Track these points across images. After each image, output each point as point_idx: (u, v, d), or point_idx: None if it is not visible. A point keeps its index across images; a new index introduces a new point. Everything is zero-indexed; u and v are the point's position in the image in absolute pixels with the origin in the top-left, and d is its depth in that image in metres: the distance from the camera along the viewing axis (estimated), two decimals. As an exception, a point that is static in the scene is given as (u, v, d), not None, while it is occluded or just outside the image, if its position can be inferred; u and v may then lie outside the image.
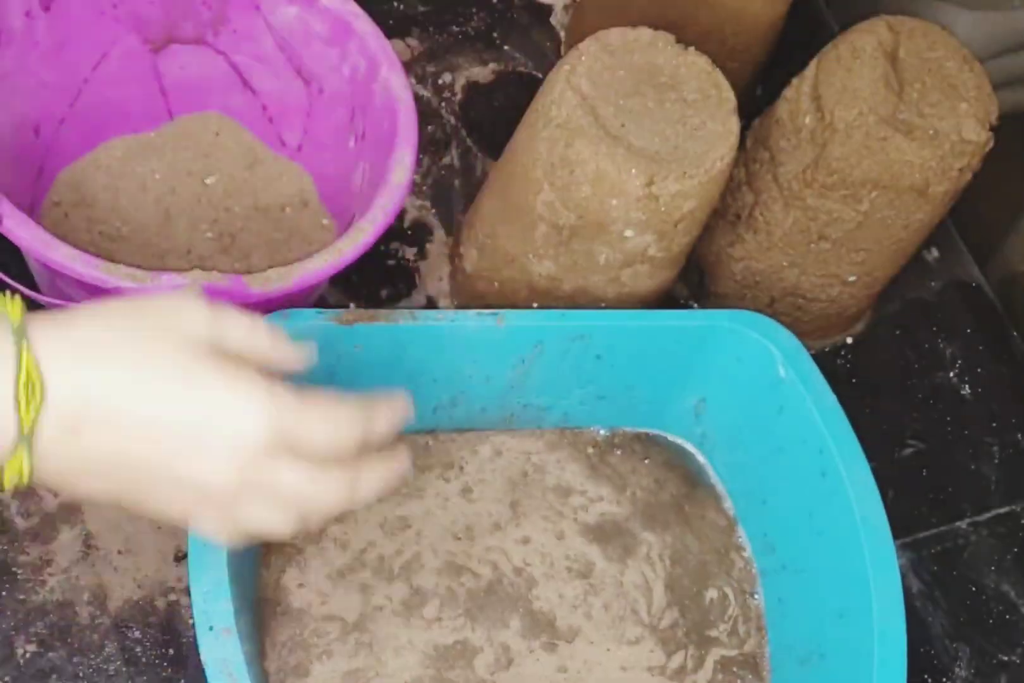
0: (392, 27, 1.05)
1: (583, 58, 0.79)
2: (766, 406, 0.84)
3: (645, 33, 0.82)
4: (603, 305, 0.85)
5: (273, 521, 0.57)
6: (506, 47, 1.07)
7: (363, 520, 0.83)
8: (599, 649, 0.83)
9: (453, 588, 0.82)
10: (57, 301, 0.77)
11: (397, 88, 0.81)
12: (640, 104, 0.79)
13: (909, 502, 0.94)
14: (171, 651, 0.78)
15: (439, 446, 0.86)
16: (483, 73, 1.06)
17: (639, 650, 0.83)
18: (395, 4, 1.07)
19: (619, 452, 0.90)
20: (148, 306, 0.56)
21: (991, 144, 0.83)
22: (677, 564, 0.86)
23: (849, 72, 0.82)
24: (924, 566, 0.92)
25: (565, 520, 0.86)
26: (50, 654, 0.77)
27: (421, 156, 0.99)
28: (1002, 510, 0.96)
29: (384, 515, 0.83)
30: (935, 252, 1.06)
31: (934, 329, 1.03)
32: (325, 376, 0.79)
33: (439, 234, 0.97)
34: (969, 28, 1.01)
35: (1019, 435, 0.99)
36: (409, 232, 0.96)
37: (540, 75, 1.07)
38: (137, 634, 0.78)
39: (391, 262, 0.95)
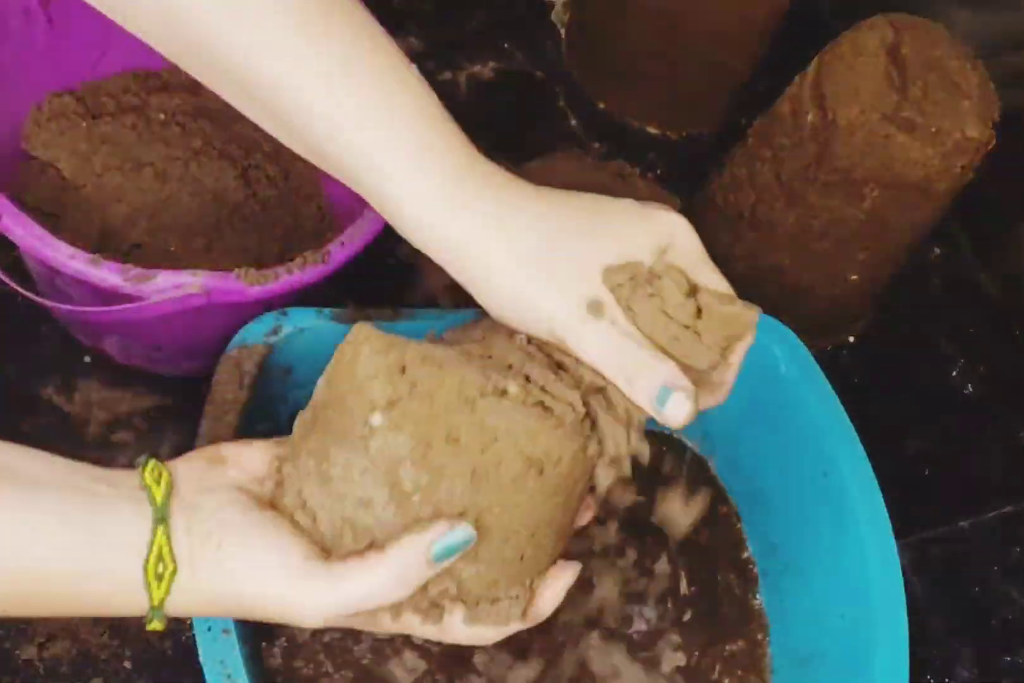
0: (393, 25, 1.05)
1: None
2: (767, 405, 0.84)
3: None
4: None
5: None
6: (506, 45, 1.07)
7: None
8: (617, 646, 0.82)
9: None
10: (56, 304, 0.77)
11: (397, 86, 0.81)
12: None
13: (910, 502, 0.94)
14: (171, 651, 0.78)
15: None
16: (483, 71, 1.05)
17: (658, 648, 0.83)
18: (395, 3, 1.07)
19: None
20: None
21: (993, 142, 0.83)
22: (695, 555, 0.86)
23: (852, 70, 0.82)
24: (926, 566, 0.92)
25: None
26: (50, 654, 0.77)
27: (421, 155, 0.99)
28: (1003, 510, 0.96)
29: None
30: (937, 250, 1.06)
31: (936, 328, 1.02)
32: (325, 375, 0.79)
33: (439, 233, 0.96)
34: (971, 26, 1.01)
35: (1019, 435, 0.99)
36: (409, 231, 0.96)
37: (540, 73, 1.06)
38: (137, 634, 0.78)
39: (391, 262, 0.95)
